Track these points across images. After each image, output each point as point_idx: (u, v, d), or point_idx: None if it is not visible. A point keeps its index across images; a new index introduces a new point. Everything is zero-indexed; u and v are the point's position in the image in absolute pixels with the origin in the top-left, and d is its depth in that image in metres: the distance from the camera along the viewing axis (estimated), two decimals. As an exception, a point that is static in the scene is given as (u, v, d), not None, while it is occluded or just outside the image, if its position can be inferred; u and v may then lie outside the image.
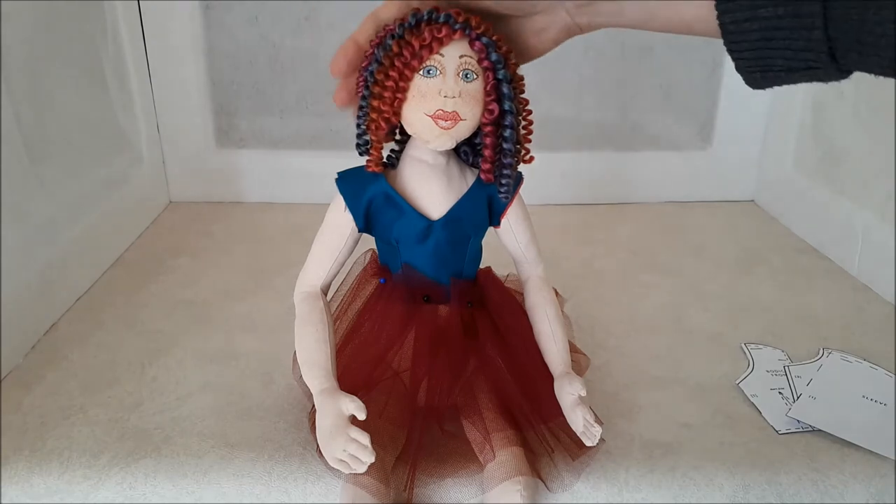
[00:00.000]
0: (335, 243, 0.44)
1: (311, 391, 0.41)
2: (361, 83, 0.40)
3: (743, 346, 0.59)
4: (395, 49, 0.38)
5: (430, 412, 0.43)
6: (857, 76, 0.32)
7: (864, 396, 0.52)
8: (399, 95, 0.38)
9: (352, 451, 0.37)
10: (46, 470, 0.44)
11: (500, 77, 0.39)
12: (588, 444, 0.41)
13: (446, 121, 0.38)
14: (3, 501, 0.43)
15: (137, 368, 0.55)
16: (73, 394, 0.52)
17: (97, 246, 0.71)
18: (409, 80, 0.38)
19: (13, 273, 0.55)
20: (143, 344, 0.58)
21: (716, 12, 0.33)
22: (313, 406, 0.44)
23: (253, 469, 0.44)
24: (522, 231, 0.46)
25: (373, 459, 0.37)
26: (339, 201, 0.43)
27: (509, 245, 0.47)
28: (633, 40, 0.86)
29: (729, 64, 0.85)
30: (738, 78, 0.35)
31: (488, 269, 0.48)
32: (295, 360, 0.48)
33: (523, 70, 0.41)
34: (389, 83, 0.38)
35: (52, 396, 0.51)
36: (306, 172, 0.90)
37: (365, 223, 0.43)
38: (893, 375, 0.55)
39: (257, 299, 0.66)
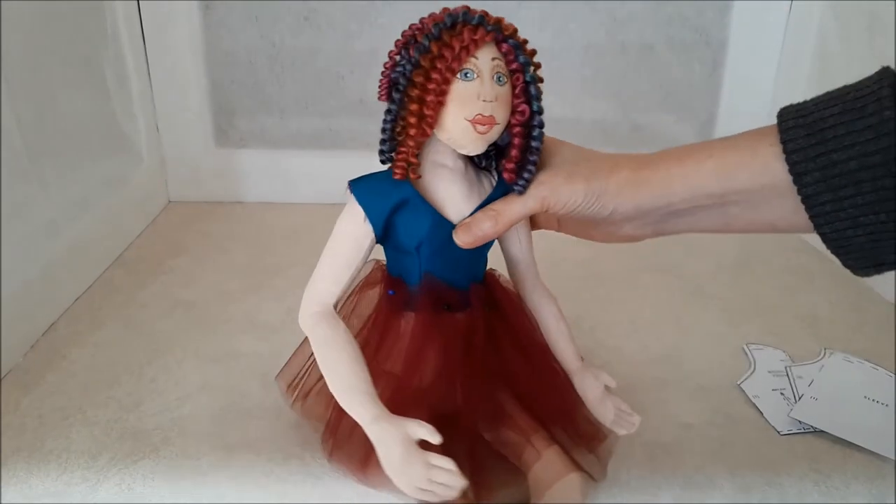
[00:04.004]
0: (353, 256, 0.41)
1: (360, 421, 0.38)
2: (386, 86, 0.38)
3: (744, 346, 0.59)
4: (435, 50, 0.36)
5: (471, 422, 0.42)
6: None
7: (865, 397, 0.52)
8: (441, 99, 0.37)
9: (437, 478, 0.35)
10: (45, 471, 0.44)
11: (528, 79, 0.38)
12: (622, 432, 0.43)
13: (484, 125, 0.37)
14: (2, 502, 0.43)
15: (136, 369, 0.55)
16: (72, 394, 0.51)
17: (97, 246, 0.71)
18: (450, 83, 0.37)
19: (13, 273, 0.55)
20: (143, 344, 0.58)
21: (812, 224, 0.34)
22: (331, 428, 0.43)
23: (252, 470, 0.44)
24: (525, 232, 0.46)
25: (465, 483, 0.36)
26: (357, 211, 0.40)
27: (511, 246, 0.46)
28: (633, 40, 0.86)
29: (729, 64, 0.86)
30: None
31: (492, 271, 0.48)
32: (294, 388, 0.46)
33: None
34: (432, 86, 0.36)
35: (51, 397, 0.51)
36: (306, 172, 0.90)
37: (383, 233, 0.41)
38: (894, 376, 0.55)
39: (257, 299, 0.66)
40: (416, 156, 0.39)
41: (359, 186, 0.41)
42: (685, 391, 0.53)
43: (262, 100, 0.88)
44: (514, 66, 0.38)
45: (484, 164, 0.43)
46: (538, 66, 0.39)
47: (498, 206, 0.40)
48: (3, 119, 0.55)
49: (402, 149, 0.39)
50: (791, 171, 0.33)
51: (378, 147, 0.40)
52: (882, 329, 0.62)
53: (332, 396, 0.40)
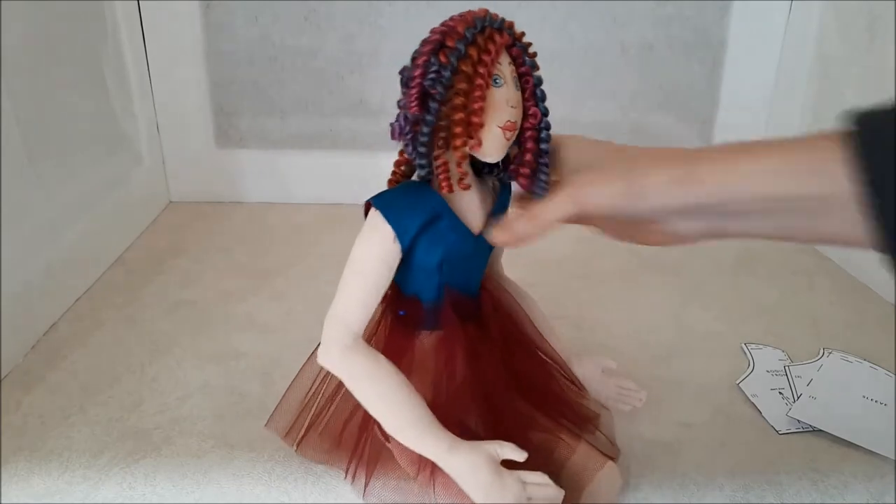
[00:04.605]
0: (383, 279, 0.38)
1: (434, 454, 0.36)
2: (417, 96, 0.36)
3: (743, 346, 0.59)
4: (475, 55, 0.35)
5: (502, 431, 0.41)
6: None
7: (864, 396, 0.52)
8: (484, 105, 0.35)
9: (536, 494, 0.35)
10: (46, 470, 0.44)
11: (536, 82, 0.38)
12: (626, 408, 0.44)
13: (511, 131, 0.36)
14: (3, 501, 0.43)
15: (137, 368, 0.55)
16: (73, 394, 0.52)
17: (97, 246, 0.71)
18: (489, 88, 0.35)
19: (13, 273, 0.55)
20: (143, 344, 0.58)
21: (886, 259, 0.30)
22: (360, 461, 0.41)
23: (253, 469, 0.44)
24: None
25: (563, 493, 0.35)
26: (386, 231, 0.37)
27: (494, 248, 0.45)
28: (633, 40, 0.86)
29: (729, 64, 0.86)
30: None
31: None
32: (294, 430, 0.43)
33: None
34: (478, 92, 0.35)
35: (52, 396, 0.51)
36: (306, 172, 0.90)
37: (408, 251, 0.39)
38: (893, 375, 0.55)
39: (257, 299, 0.66)
40: (460, 165, 0.37)
41: (385, 204, 0.38)
42: (685, 391, 0.53)
43: (262, 100, 0.88)
44: (523, 69, 0.37)
45: (486, 169, 0.42)
46: (538, 67, 0.39)
47: (536, 209, 0.37)
48: (3, 119, 0.55)
49: (442, 160, 0.37)
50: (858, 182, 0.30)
51: (404, 166, 0.39)
52: (881, 329, 0.63)
53: (341, 429, 0.39)
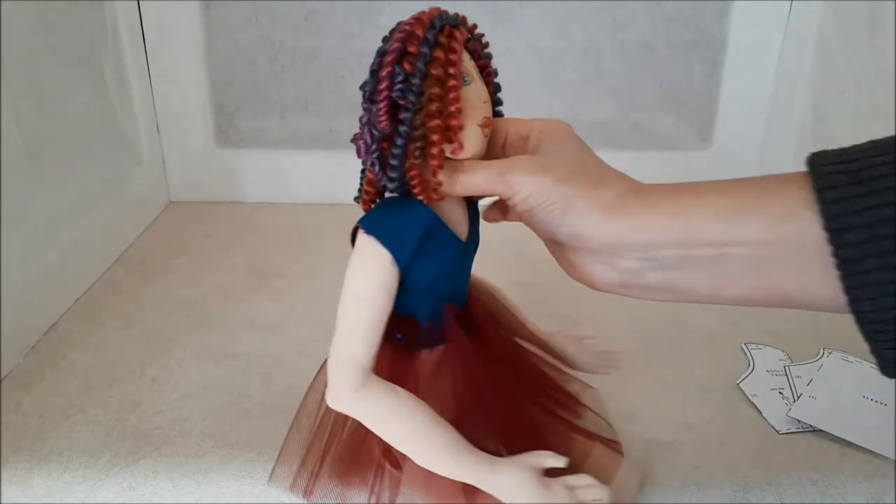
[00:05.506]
0: (386, 308, 0.36)
1: (476, 477, 0.34)
2: (386, 110, 0.33)
3: (743, 346, 0.59)
4: (442, 56, 0.33)
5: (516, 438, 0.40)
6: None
7: (864, 396, 0.52)
8: (461, 106, 0.34)
9: (585, 497, 0.35)
10: (46, 470, 0.44)
11: (495, 74, 0.37)
12: (609, 372, 0.46)
13: (487, 127, 0.35)
14: (2, 501, 0.43)
15: (137, 368, 0.55)
16: (73, 394, 0.52)
17: (97, 246, 0.71)
18: (461, 89, 0.34)
19: (13, 273, 0.55)
20: (143, 344, 0.58)
21: (846, 297, 0.27)
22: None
23: (253, 469, 0.44)
24: None
25: (609, 490, 0.35)
26: (383, 256, 0.35)
27: None
28: (633, 40, 0.86)
29: (729, 64, 0.86)
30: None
31: None
32: (306, 475, 0.41)
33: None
34: (453, 94, 0.33)
35: (52, 396, 0.51)
36: (306, 172, 0.90)
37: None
38: (894, 375, 0.55)
39: (257, 299, 0.66)
40: (435, 174, 0.35)
41: (377, 226, 0.35)
42: (684, 391, 0.53)
43: (262, 100, 0.88)
44: (482, 62, 0.37)
45: None
46: (492, 57, 0.38)
47: (465, 167, 0.35)
48: (3, 119, 0.55)
49: (416, 171, 0.34)
50: (827, 226, 0.26)
51: (378, 183, 0.36)
52: (881, 329, 0.62)
53: (350, 464, 0.38)
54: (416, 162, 0.34)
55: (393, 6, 0.83)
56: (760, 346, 0.59)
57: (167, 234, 0.82)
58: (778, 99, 0.87)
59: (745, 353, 0.58)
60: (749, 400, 0.52)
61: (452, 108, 0.33)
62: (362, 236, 0.35)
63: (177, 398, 0.51)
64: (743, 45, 0.86)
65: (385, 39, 0.35)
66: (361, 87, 0.35)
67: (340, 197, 0.95)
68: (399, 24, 0.34)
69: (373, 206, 0.39)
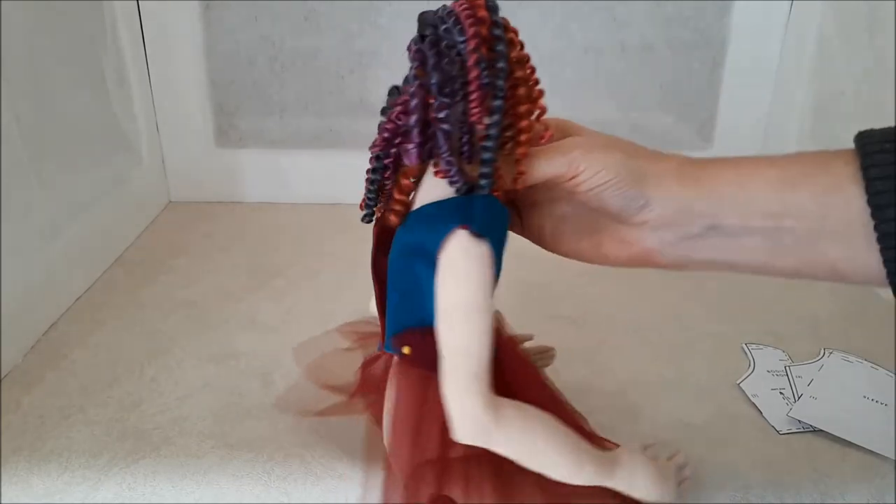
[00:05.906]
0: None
1: (597, 477, 0.32)
2: (481, 99, 0.30)
3: (744, 346, 0.59)
4: (515, 38, 0.32)
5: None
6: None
7: (865, 397, 0.52)
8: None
9: (686, 474, 0.38)
10: (46, 470, 0.44)
11: None
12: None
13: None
14: (2, 502, 0.43)
15: (137, 368, 0.55)
16: (73, 394, 0.51)
17: (97, 246, 0.71)
18: None
19: (14, 273, 0.55)
20: (143, 344, 0.58)
21: (884, 270, 0.27)
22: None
23: (252, 469, 0.44)
24: None
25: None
26: (490, 256, 0.32)
27: None
28: (633, 40, 0.86)
29: (729, 64, 0.86)
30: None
31: None
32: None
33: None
34: (534, 75, 0.32)
35: (52, 396, 0.51)
36: (306, 172, 0.90)
37: None
38: (894, 375, 0.55)
39: (257, 299, 0.66)
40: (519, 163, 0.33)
41: (488, 230, 0.32)
42: (685, 391, 0.53)
43: (262, 100, 0.88)
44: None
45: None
46: None
47: (523, 166, 0.34)
48: (3, 119, 0.55)
49: (498, 164, 0.32)
50: (871, 201, 0.27)
51: (410, 189, 0.34)
52: (882, 329, 0.62)
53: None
54: (507, 152, 0.32)
55: (393, 6, 0.83)
56: (761, 346, 0.59)
57: (167, 234, 0.82)
58: (778, 99, 0.87)
59: (745, 353, 0.58)
60: (749, 400, 0.52)
61: (538, 91, 0.32)
62: (472, 240, 0.31)
63: (176, 398, 0.51)
64: (743, 45, 0.86)
65: (422, 37, 0.32)
66: (433, 84, 0.31)
67: (340, 197, 0.95)
68: (447, 11, 0.31)
69: (404, 217, 0.35)
